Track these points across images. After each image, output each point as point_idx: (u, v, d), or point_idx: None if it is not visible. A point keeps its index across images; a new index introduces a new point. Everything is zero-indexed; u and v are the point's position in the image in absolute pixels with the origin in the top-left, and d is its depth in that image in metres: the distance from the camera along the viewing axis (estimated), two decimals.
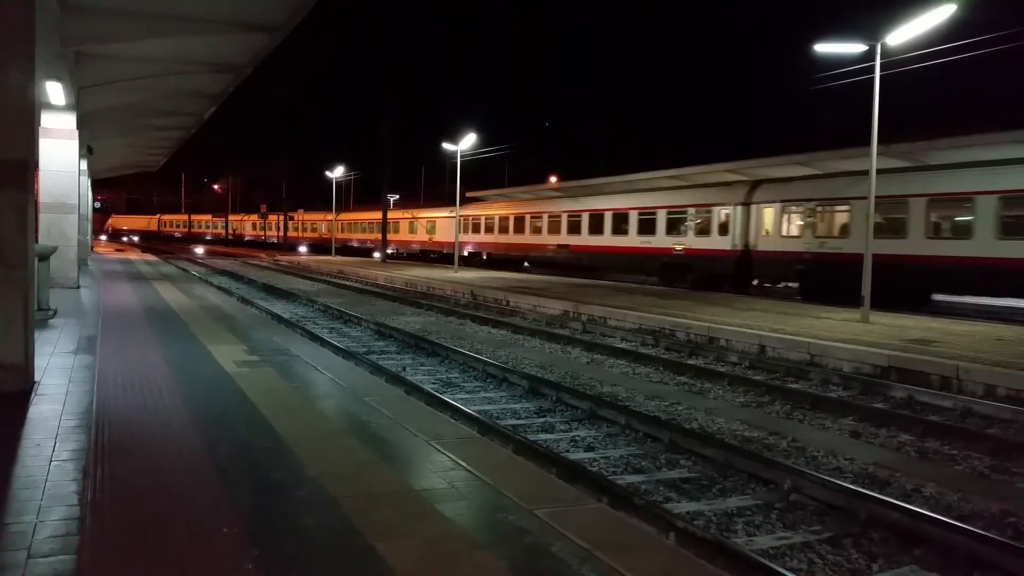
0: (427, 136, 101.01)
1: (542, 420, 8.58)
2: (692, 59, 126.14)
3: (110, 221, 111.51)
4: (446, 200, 45.39)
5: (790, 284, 23.66)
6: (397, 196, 61.26)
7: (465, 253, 40.55)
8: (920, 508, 5.68)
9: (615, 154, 61.94)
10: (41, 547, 3.37)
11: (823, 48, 15.66)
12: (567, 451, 7.33)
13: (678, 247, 26.29)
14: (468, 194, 43.76)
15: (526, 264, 36.62)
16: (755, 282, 24.49)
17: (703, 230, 25.39)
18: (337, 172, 53.44)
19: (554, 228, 33.36)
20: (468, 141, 32.20)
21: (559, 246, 32.94)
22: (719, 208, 24.79)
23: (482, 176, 57.67)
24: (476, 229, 40.23)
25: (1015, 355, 11.07)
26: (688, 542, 5.03)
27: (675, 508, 5.83)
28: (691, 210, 26.03)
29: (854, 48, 15.41)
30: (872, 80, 15.02)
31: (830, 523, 5.68)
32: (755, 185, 24.26)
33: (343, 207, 66.79)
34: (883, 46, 14.82)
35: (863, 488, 6.12)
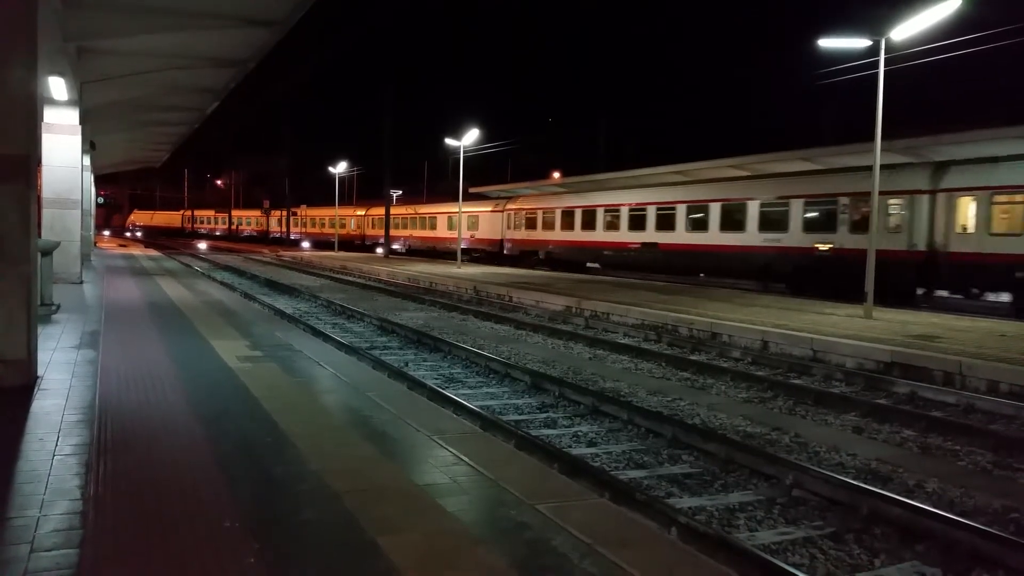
0: (429, 132, 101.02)
1: (544, 415, 8.58)
2: (693, 55, 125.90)
3: (132, 217, 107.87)
4: (449, 196, 45.18)
5: (987, 296, 18.72)
6: (400, 192, 61.23)
7: (505, 251, 37.06)
8: (922, 504, 5.67)
9: (615, 151, 61.90)
10: (44, 541, 3.38)
11: (827, 43, 15.60)
12: (569, 446, 7.33)
13: (823, 246, 21.27)
14: (471, 190, 43.68)
15: (593, 265, 31.81)
16: (921, 291, 19.61)
17: (862, 225, 19.72)
18: (340, 168, 53.43)
19: (637, 223, 28.06)
20: (471, 137, 32.14)
21: (644, 244, 27.78)
22: (887, 198, 19.05)
23: (484, 172, 57.78)
24: (530, 225, 34.99)
25: (1018, 351, 11.05)
26: (690, 537, 5.03)
27: (677, 503, 5.83)
28: (843, 199, 20.75)
29: (858, 43, 15.36)
30: (876, 76, 14.98)
31: (832, 518, 5.67)
32: (941, 167, 19.36)
33: (346, 203, 66.46)
34: (887, 41, 14.78)
35: (865, 484, 6.12)
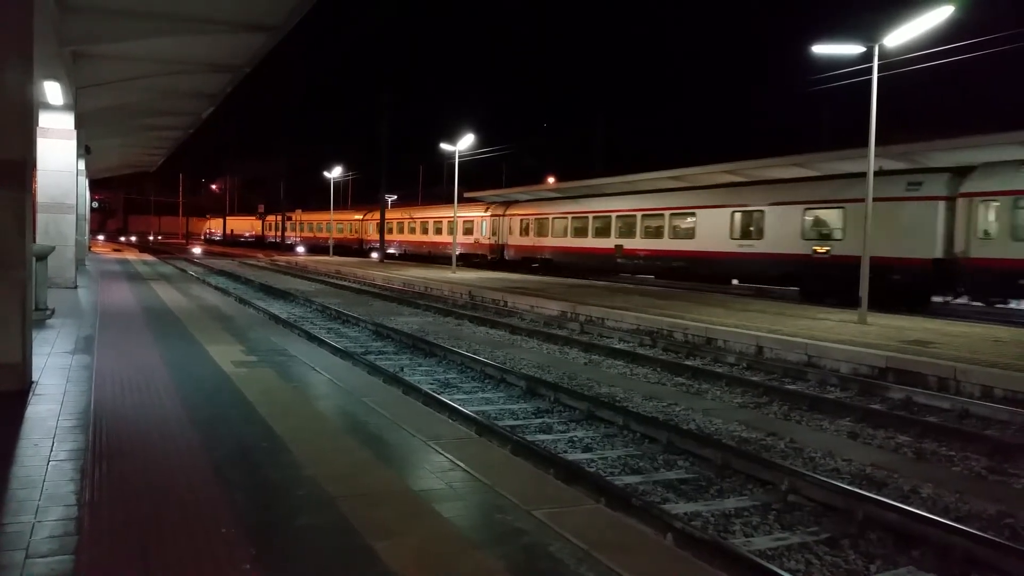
0: (424, 136, 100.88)
1: (540, 421, 8.58)
2: (690, 58, 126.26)
3: (210, 224, 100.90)
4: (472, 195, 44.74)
5: None
6: (395, 196, 61.15)
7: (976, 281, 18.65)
8: (918, 509, 5.68)
9: (612, 154, 61.93)
10: (39, 547, 3.36)
11: (821, 49, 15.68)
12: (565, 452, 7.33)
13: None
14: (467, 194, 43.63)
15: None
16: None
17: None
18: (335, 172, 53.41)
19: None
20: (466, 142, 32.15)
21: None
22: None
23: (480, 177, 57.74)
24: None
25: (1012, 356, 11.09)
26: (686, 543, 5.03)
27: (673, 509, 5.83)
28: None
29: (852, 49, 15.44)
30: (870, 82, 15.05)
31: (828, 524, 5.68)
32: None
33: (341, 207, 66.08)
34: (881, 47, 14.85)
35: (861, 489, 6.13)
